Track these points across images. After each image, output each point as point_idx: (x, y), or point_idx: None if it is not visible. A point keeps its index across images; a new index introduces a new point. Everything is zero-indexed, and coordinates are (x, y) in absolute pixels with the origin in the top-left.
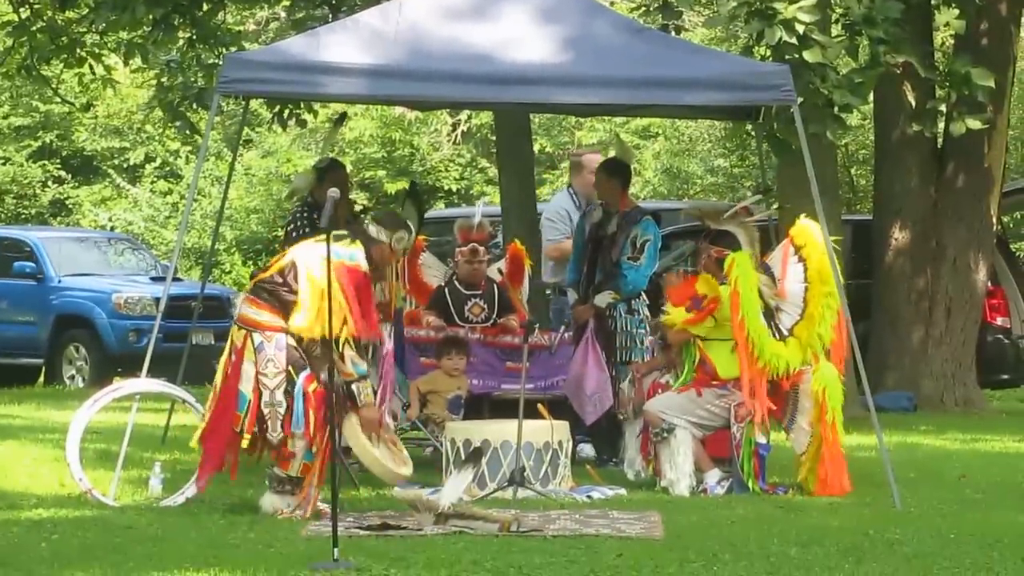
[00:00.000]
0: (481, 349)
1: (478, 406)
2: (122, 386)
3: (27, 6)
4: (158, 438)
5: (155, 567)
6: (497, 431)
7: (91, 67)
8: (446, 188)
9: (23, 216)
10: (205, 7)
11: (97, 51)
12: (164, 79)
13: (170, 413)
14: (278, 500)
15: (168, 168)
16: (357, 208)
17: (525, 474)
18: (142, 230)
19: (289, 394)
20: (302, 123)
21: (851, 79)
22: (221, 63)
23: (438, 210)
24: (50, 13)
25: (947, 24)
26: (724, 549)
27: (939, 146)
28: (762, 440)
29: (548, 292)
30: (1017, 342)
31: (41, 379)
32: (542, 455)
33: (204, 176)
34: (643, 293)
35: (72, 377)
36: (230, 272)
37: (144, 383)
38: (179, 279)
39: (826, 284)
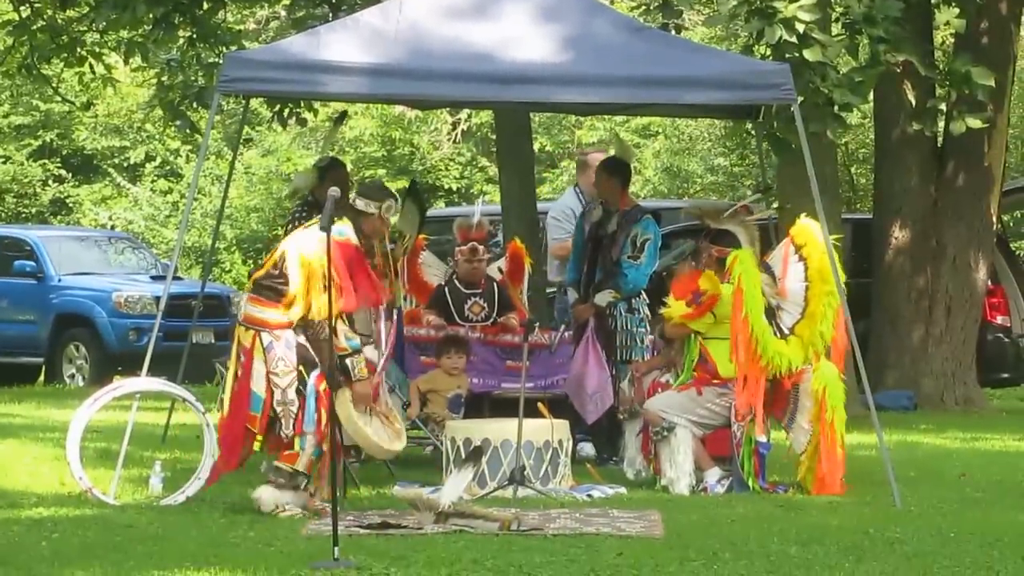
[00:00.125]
0: (481, 348)
1: (478, 405)
2: (122, 385)
3: (27, 5)
4: (158, 437)
5: (155, 566)
6: (497, 430)
7: (91, 66)
8: (446, 187)
9: (23, 215)
10: (205, 6)
11: (97, 50)
12: (164, 78)
13: (170, 412)
14: (279, 495)
15: (168, 167)
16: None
17: (525, 473)
18: (142, 229)
19: (300, 393)
20: (302, 122)
21: (851, 78)
22: (221, 62)
23: (438, 209)
24: (50, 12)
25: (947, 23)
26: (724, 548)
27: (939, 145)
28: (762, 439)
29: (550, 291)
30: (1017, 341)
31: (41, 378)
32: (542, 454)
33: (204, 175)
34: (643, 292)
35: (72, 376)
36: (230, 271)
37: (144, 382)
38: (179, 278)
39: (827, 283)
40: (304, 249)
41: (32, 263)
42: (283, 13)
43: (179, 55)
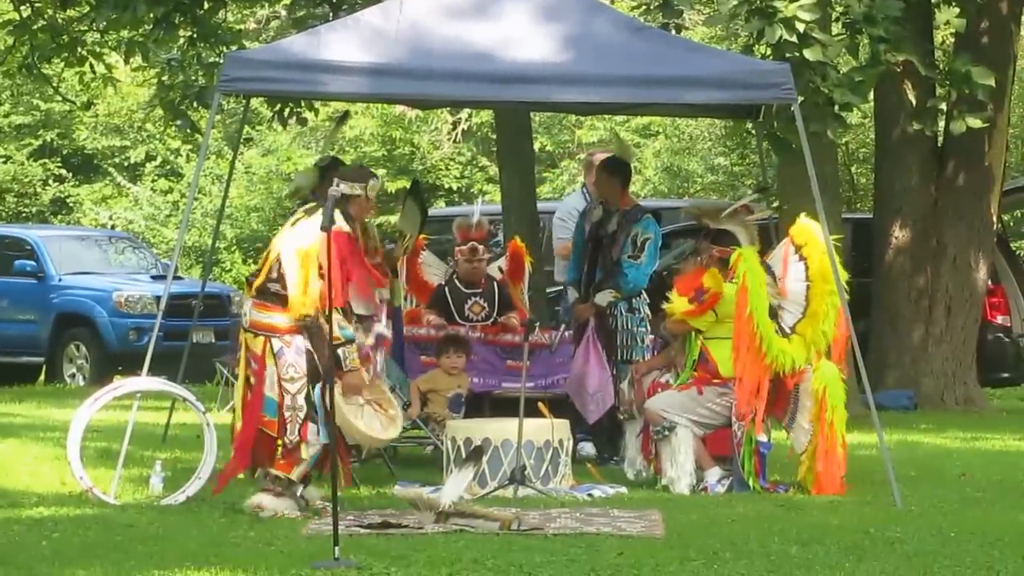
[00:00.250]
0: (482, 347)
1: (479, 404)
2: (123, 384)
3: (28, 5)
4: (159, 436)
5: (156, 565)
6: (498, 429)
7: (92, 66)
8: (447, 186)
9: (24, 215)
10: (206, 5)
11: (98, 50)
12: (165, 78)
13: (171, 412)
14: (277, 502)
15: (169, 167)
16: None
17: (526, 472)
18: (143, 228)
19: (309, 400)
20: (303, 121)
21: (851, 78)
22: (222, 62)
23: (439, 208)
24: (51, 12)
25: (947, 22)
26: (725, 547)
27: (939, 144)
28: (763, 438)
29: (551, 290)
30: (1017, 340)
31: (42, 377)
32: (543, 453)
33: (205, 174)
34: (644, 291)
35: (73, 375)
36: (230, 270)
37: (145, 381)
38: (180, 277)
39: (828, 282)
40: (300, 243)
41: (32, 263)
42: (283, 13)
43: (179, 55)
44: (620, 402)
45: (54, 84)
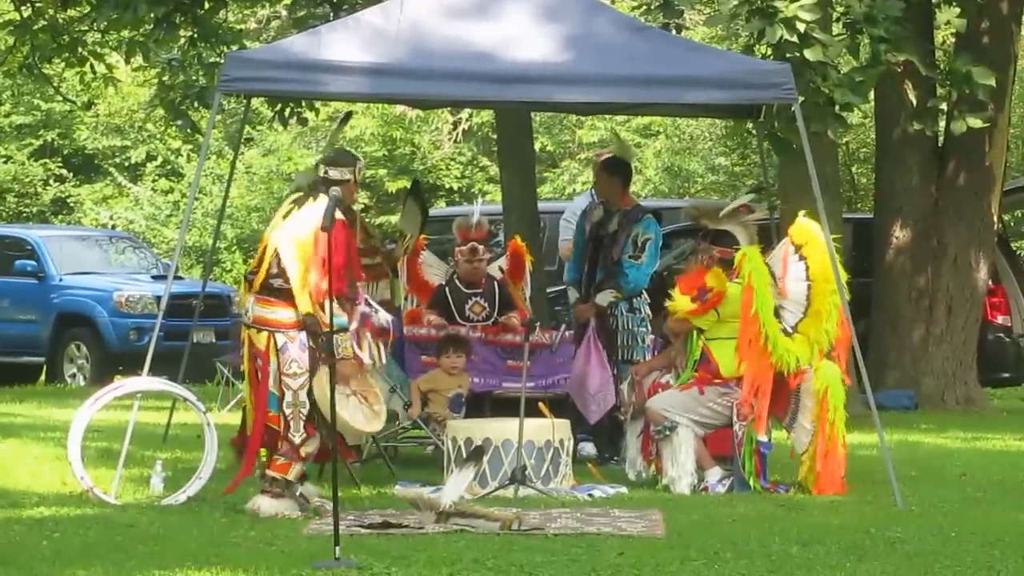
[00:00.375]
0: (482, 347)
1: (479, 404)
2: (123, 384)
3: (28, 5)
4: (159, 436)
5: (157, 565)
6: (498, 429)
7: (92, 66)
8: (447, 186)
9: (24, 215)
10: (206, 5)
11: (98, 50)
12: (165, 78)
13: (171, 411)
14: (277, 504)
15: (169, 167)
16: (358, 207)
17: (526, 472)
18: (143, 228)
19: (311, 396)
20: (303, 121)
21: (852, 78)
22: (222, 62)
23: (439, 208)
24: (51, 12)
25: (948, 22)
26: (725, 547)
27: (940, 144)
28: (763, 438)
29: (551, 290)
30: (1018, 340)
31: (42, 377)
32: (543, 453)
33: (205, 174)
34: (644, 292)
35: (73, 375)
36: (231, 270)
37: (145, 381)
38: (180, 277)
39: (830, 282)
40: (296, 235)
41: (33, 263)
42: (284, 13)
43: (180, 55)
44: (620, 403)
45: (55, 84)
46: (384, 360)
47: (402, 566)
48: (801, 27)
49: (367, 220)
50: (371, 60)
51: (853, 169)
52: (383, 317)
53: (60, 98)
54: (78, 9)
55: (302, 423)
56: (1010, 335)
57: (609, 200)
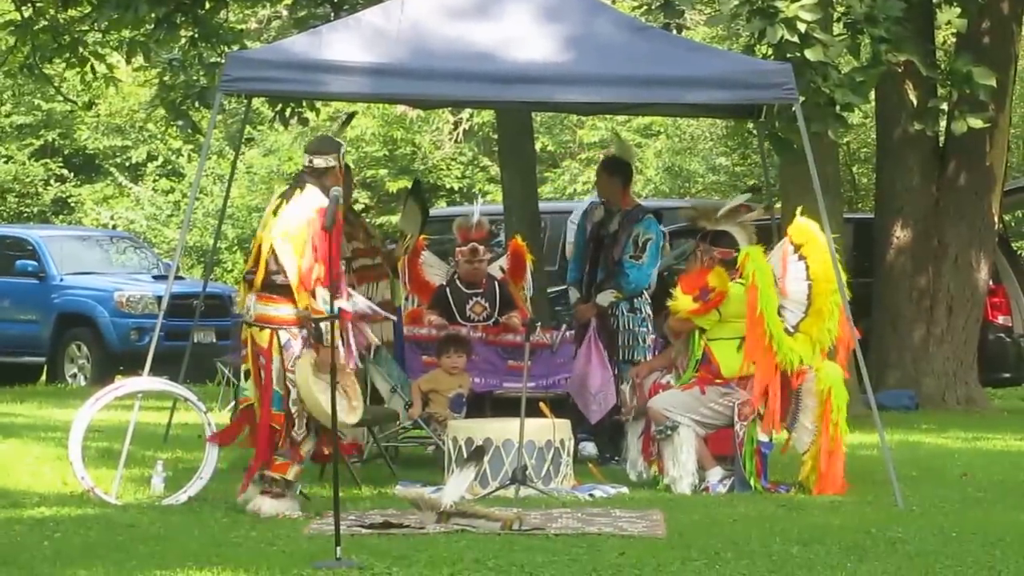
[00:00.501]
0: (483, 347)
1: (480, 404)
2: (124, 384)
3: (29, 5)
4: (160, 436)
5: (157, 565)
6: (499, 429)
7: (93, 66)
8: (448, 186)
9: (25, 215)
10: (207, 5)
11: (99, 50)
12: (166, 78)
13: (172, 411)
14: (277, 504)
15: (170, 167)
16: (359, 207)
17: (527, 472)
18: (144, 228)
19: None
20: (304, 121)
21: (853, 78)
22: (223, 62)
23: (440, 208)
24: (52, 12)
25: (949, 22)
26: (726, 547)
27: (941, 145)
28: (764, 438)
29: (552, 290)
30: (1019, 340)
31: (43, 377)
32: (544, 453)
33: (206, 174)
34: (645, 292)
35: (74, 376)
36: (232, 271)
37: (146, 381)
38: (181, 277)
39: (830, 281)
40: (287, 229)
41: (34, 263)
42: (285, 13)
43: (181, 55)
44: (621, 403)
45: (55, 84)
46: (377, 341)
47: (403, 566)
48: (802, 27)
49: (368, 220)
50: (372, 60)
51: (854, 169)
52: (360, 302)
53: (61, 98)
54: (79, 9)
55: (305, 420)
56: (1011, 335)
57: (610, 200)
